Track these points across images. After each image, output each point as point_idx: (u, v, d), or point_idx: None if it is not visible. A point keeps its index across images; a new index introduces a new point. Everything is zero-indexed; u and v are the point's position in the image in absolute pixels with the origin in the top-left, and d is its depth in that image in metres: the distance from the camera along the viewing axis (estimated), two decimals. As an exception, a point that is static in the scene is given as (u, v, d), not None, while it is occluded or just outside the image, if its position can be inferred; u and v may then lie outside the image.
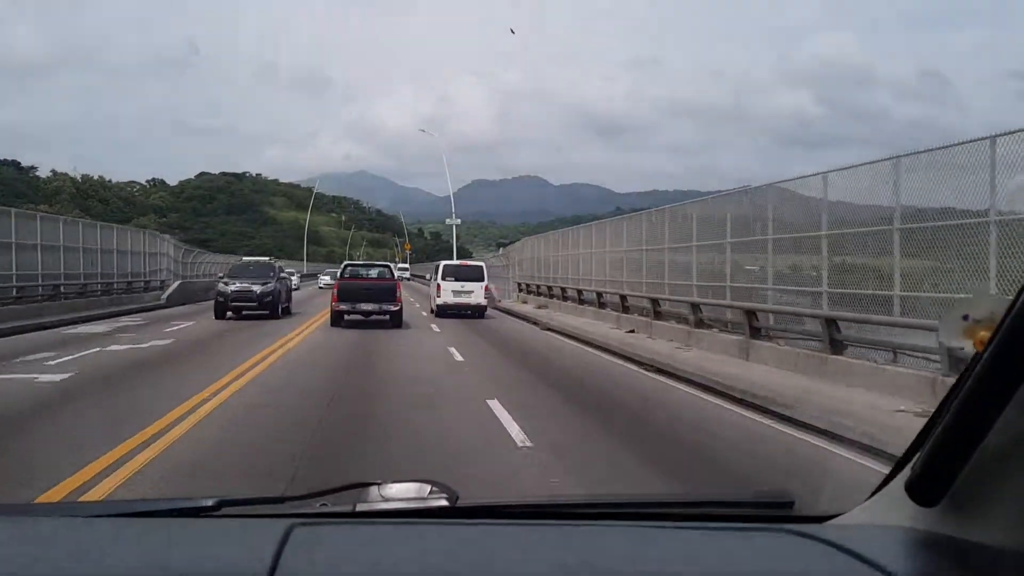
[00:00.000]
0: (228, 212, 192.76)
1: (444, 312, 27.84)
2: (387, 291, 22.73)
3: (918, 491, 1.35)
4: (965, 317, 1.37)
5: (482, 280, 29.04)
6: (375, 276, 24.59)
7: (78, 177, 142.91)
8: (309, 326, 22.86)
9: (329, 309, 23.53)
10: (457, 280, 28.68)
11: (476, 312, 28.26)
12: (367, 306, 22.43)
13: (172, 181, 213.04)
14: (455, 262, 32.65)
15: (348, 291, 22.72)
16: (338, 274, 24.96)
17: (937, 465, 1.30)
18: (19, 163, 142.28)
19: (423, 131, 50.48)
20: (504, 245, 77.26)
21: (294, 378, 12.48)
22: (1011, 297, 1.16)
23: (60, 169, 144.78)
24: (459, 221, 50.28)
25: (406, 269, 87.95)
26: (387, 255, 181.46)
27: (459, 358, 15.64)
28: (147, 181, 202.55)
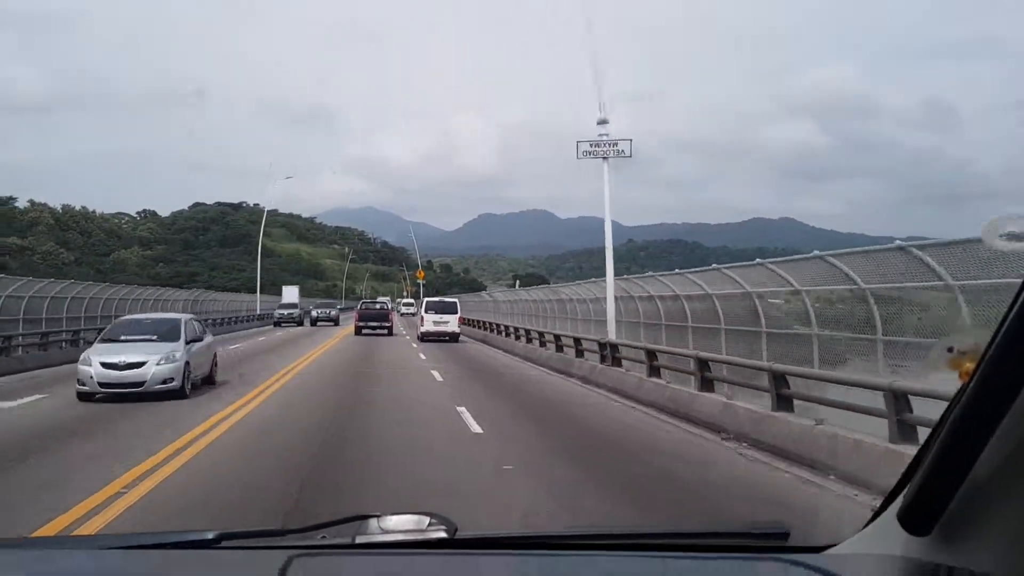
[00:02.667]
0: (222, 244, 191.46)
1: (426, 338, 38.29)
2: (385, 316, 45.03)
3: (910, 521, 1.43)
4: (950, 349, 1.44)
5: (456, 313, 39.93)
6: (378, 308, 47.65)
7: (58, 208, 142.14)
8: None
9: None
10: (437, 313, 39.61)
11: (452, 338, 38.85)
12: (374, 323, 43.76)
13: (165, 213, 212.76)
14: (436, 299, 43.20)
15: (364, 316, 44.97)
16: (359, 307, 49.94)
17: (928, 495, 1.39)
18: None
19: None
20: (520, 278, 79.35)
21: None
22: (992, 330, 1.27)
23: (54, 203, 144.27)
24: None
25: (411, 304, 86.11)
26: (393, 289, 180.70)
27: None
28: (137, 213, 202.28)
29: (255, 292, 74.99)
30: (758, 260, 15.90)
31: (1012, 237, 1.39)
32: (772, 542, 1.87)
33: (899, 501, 1.47)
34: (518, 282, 66.54)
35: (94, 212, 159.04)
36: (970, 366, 1.34)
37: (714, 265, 17.86)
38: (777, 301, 16.38)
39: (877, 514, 1.62)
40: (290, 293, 72.86)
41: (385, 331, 43.04)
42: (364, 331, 42.70)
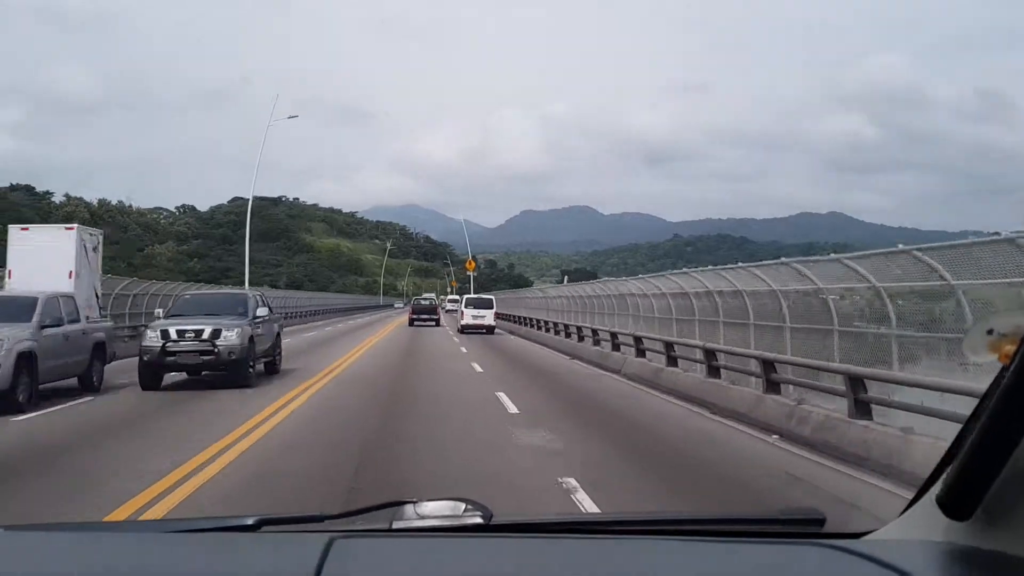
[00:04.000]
0: (260, 239, 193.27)
1: (465, 330, 44.31)
2: (433, 309, 54.42)
3: (950, 505, 1.45)
4: (990, 331, 1.44)
5: (492, 308, 46.67)
6: (427, 304, 56.37)
7: (94, 202, 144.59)
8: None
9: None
10: (475, 308, 46.08)
11: (488, 330, 44.59)
12: (424, 315, 52.16)
13: (205, 208, 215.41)
14: (474, 296, 51.10)
15: (417, 310, 54.17)
16: (412, 303, 61.24)
17: (968, 479, 1.40)
18: (32, 188, 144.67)
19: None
20: (568, 273, 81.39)
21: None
22: None
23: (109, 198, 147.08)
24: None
25: (456, 301, 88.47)
26: (436, 285, 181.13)
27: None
28: (176, 208, 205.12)
29: (292, 288, 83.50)
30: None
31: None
32: (808, 528, 1.94)
33: (938, 486, 1.48)
34: (566, 278, 66.44)
35: (130, 206, 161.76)
36: (1010, 348, 1.35)
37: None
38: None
39: (916, 499, 1.63)
40: None
41: (433, 323, 51.90)
42: (416, 323, 51.56)
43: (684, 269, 22.42)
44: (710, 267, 21.11)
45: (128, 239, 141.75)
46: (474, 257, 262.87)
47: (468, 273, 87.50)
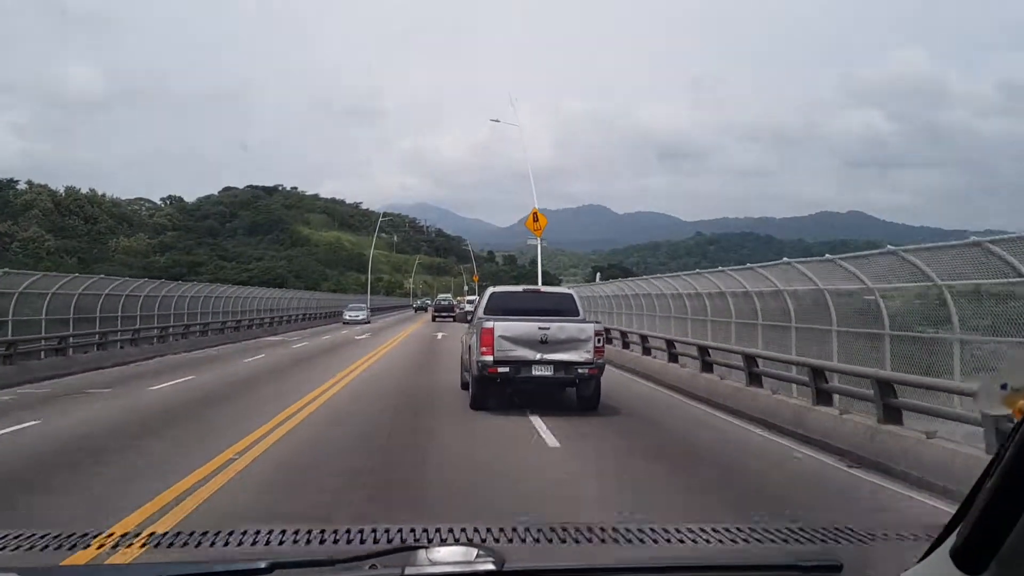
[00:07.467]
0: (250, 232, 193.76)
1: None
2: (451, 308, 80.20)
3: (964, 559, 1.51)
4: (1004, 386, 1.53)
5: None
6: (446, 304, 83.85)
7: (60, 191, 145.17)
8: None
9: None
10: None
11: None
12: (444, 313, 78.49)
13: (191, 199, 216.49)
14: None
15: (438, 308, 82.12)
16: (435, 304, 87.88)
17: (982, 532, 1.47)
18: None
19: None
20: (600, 269, 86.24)
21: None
22: None
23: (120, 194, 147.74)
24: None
25: (473, 301, 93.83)
26: (450, 284, 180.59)
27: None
28: (161, 199, 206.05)
29: (274, 286, 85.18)
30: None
31: None
32: (825, 575, 2.17)
33: (952, 538, 1.55)
34: (599, 275, 66.68)
35: (103, 196, 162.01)
36: None
37: (827, 256, 16.77)
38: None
39: (931, 550, 1.69)
40: None
41: (451, 318, 74.03)
42: (437, 318, 76.59)
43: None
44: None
45: (97, 231, 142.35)
46: (491, 252, 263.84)
47: (475, 284, 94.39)
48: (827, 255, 17.05)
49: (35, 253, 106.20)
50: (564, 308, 18.04)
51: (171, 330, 37.46)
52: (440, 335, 49.81)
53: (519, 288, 20.64)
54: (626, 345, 29.79)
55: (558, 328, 16.55)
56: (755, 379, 17.08)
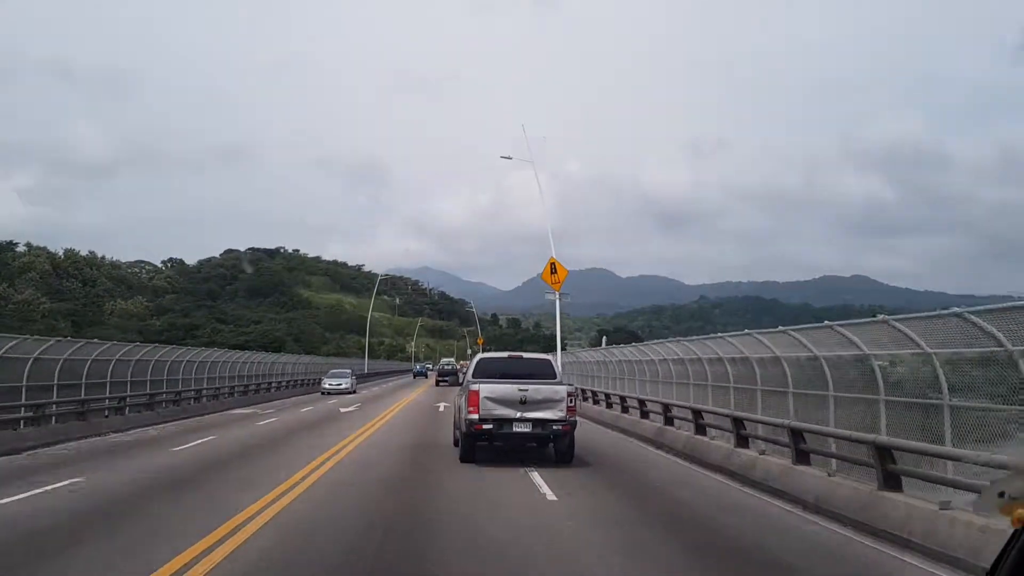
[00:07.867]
0: (251, 294, 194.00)
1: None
2: (454, 372, 76.18)
3: None
4: (1001, 494, 1.49)
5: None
6: (449, 368, 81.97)
7: (59, 253, 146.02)
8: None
9: None
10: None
11: None
12: (449, 377, 76.92)
13: (193, 261, 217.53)
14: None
15: (441, 373, 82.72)
16: (439, 369, 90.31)
17: None
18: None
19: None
20: (607, 333, 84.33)
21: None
22: None
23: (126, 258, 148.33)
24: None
25: None
26: (454, 347, 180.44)
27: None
28: (163, 262, 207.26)
29: (272, 349, 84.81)
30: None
31: None
32: None
33: None
34: (604, 339, 65.78)
35: (103, 258, 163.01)
36: (1022, 512, 1.45)
37: (825, 322, 17.15)
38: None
39: None
40: None
41: (458, 384, 68.91)
42: (441, 383, 76.52)
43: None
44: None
45: (95, 294, 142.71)
46: (495, 315, 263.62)
47: (479, 347, 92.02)
48: (826, 321, 17.38)
49: (28, 316, 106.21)
50: (542, 372, 20.61)
51: (107, 402, 32.56)
52: (442, 406, 43.52)
53: (504, 354, 22.89)
54: (625, 409, 31.87)
55: (535, 389, 19.18)
56: (742, 440, 19.15)
